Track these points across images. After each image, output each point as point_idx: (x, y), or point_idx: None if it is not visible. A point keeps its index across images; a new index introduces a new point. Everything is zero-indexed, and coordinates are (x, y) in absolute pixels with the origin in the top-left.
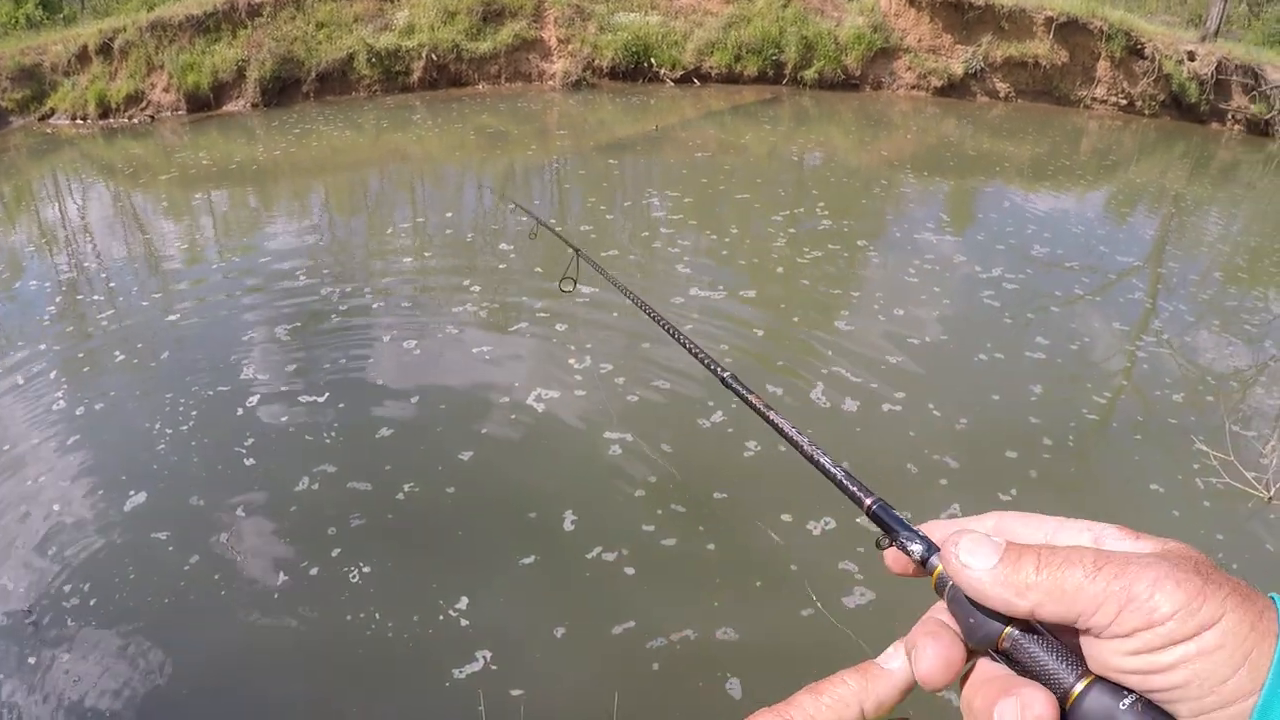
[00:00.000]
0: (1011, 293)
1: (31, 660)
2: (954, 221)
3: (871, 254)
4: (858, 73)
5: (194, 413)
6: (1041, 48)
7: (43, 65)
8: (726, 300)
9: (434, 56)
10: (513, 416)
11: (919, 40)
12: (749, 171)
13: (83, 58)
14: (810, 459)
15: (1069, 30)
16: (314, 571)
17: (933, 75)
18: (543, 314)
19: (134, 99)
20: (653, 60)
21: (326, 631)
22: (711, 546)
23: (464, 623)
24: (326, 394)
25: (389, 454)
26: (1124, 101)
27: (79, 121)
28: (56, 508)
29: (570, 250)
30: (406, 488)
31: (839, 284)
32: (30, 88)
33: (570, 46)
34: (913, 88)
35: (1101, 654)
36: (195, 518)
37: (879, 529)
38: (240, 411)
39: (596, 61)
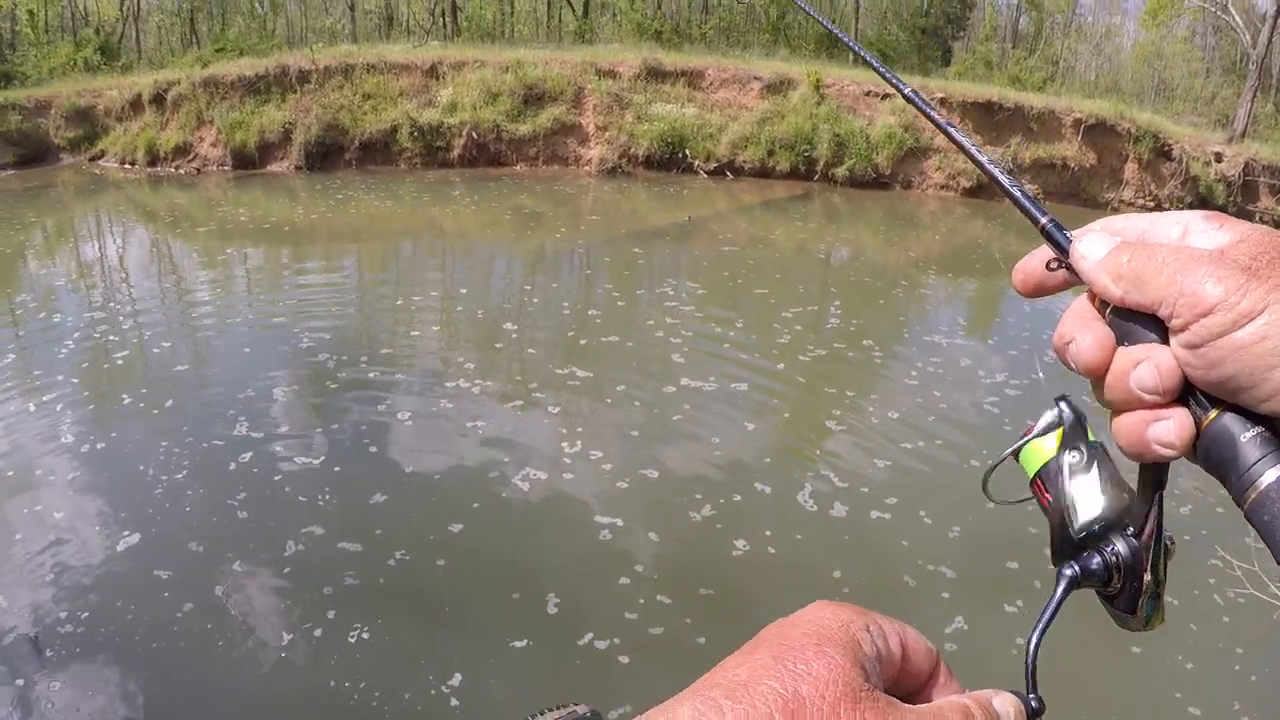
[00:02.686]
0: (1014, 399)
1: (24, 684)
2: (969, 324)
3: (875, 354)
4: (888, 171)
5: (186, 462)
6: (1070, 149)
7: (97, 108)
8: (716, 393)
9: (475, 135)
10: (503, 494)
11: (948, 141)
12: (773, 266)
13: (136, 105)
14: (989, 174)
15: (1097, 132)
16: (302, 633)
17: (962, 175)
18: (538, 394)
19: (182, 150)
20: (687, 151)
21: (315, 695)
22: (702, 640)
23: (455, 701)
24: (322, 457)
25: (381, 520)
26: (1151, 203)
27: (127, 166)
28: (57, 538)
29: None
30: (398, 554)
31: (836, 383)
32: (83, 128)
33: (608, 134)
34: (942, 187)
35: (1175, 349)
36: (190, 565)
37: (1052, 245)
38: (233, 466)
39: (632, 150)
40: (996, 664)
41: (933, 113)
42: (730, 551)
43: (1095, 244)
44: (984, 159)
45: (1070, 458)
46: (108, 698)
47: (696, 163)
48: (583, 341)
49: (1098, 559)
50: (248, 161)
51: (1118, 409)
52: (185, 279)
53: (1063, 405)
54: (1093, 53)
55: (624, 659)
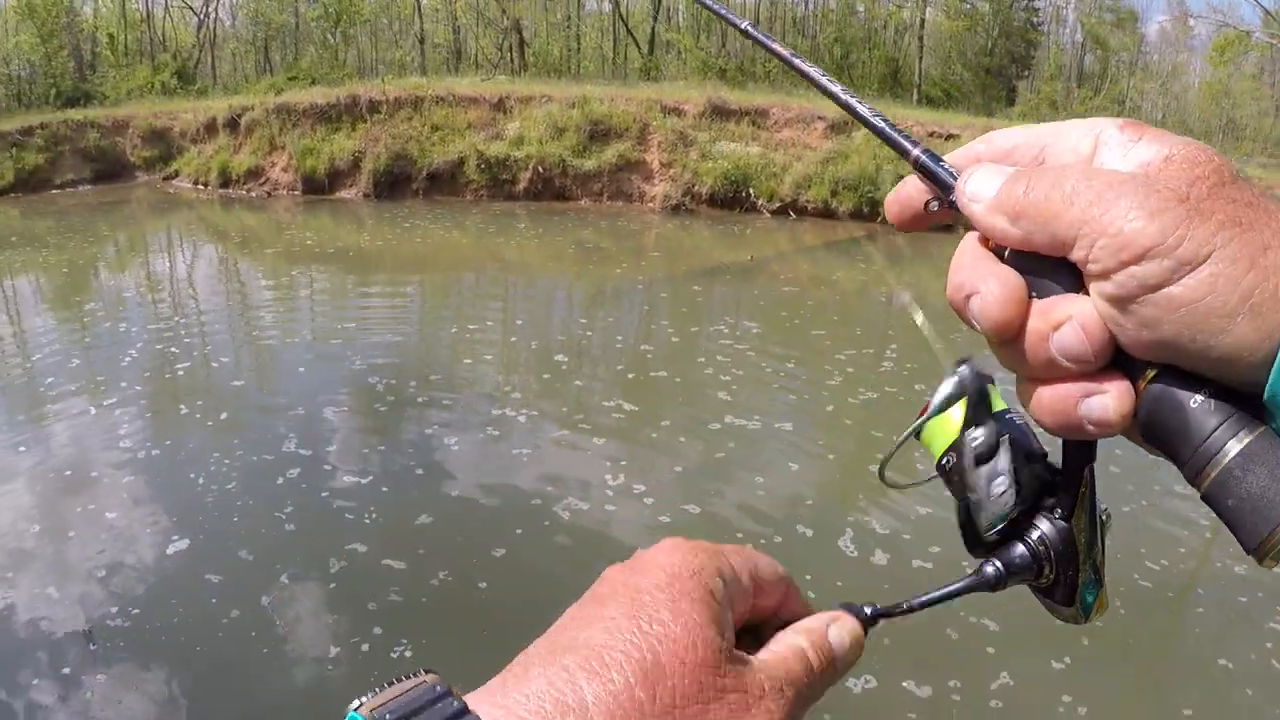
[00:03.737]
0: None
1: (69, 673)
2: None
3: (927, 399)
4: None
5: (236, 474)
6: None
7: (173, 130)
8: (761, 432)
9: (540, 169)
10: (545, 522)
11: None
12: (832, 308)
13: (210, 129)
14: (846, 107)
15: None
16: (348, 647)
17: None
18: (584, 425)
19: (254, 174)
20: (751, 190)
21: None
22: None
23: None
24: (370, 476)
25: (426, 540)
26: None
27: (200, 186)
28: (110, 537)
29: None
30: (441, 575)
31: (884, 427)
32: (159, 149)
33: (672, 171)
34: None
35: (1096, 302)
36: (238, 573)
37: (929, 184)
38: (281, 480)
39: (696, 187)
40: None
41: (775, 45)
42: None
43: (985, 181)
44: (836, 88)
45: (974, 435)
46: (150, 696)
47: (760, 202)
48: (631, 376)
49: (1021, 549)
50: (317, 187)
51: (1035, 378)
52: (249, 297)
53: (963, 370)
54: (1159, 91)
55: None
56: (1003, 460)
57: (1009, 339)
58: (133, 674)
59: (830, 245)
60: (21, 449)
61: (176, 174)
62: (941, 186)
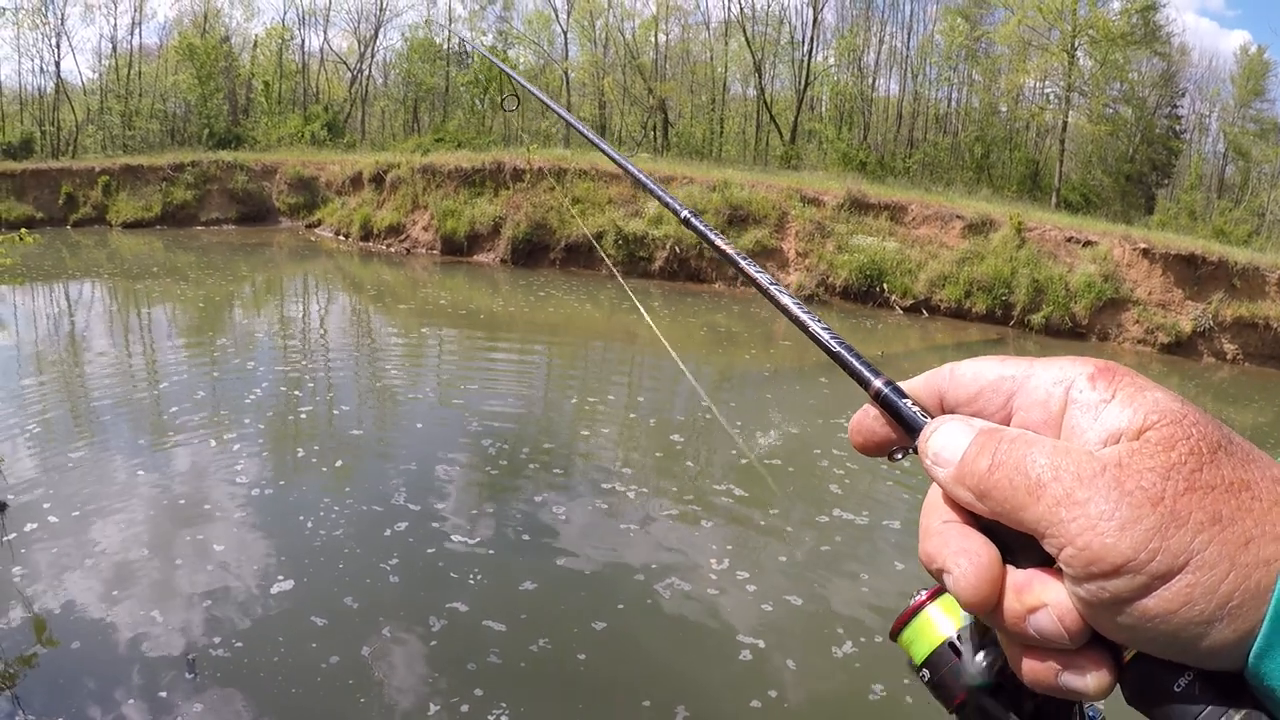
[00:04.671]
0: None
1: (166, 697)
2: None
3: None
4: (1085, 321)
5: (344, 522)
6: (1274, 309)
7: (319, 180)
8: (868, 527)
9: (677, 249)
10: (648, 600)
11: (1149, 293)
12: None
13: (356, 182)
14: (803, 328)
15: None
16: (447, 706)
17: (1160, 331)
18: (693, 507)
19: (395, 230)
20: (885, 285)
21: None
22: None
23: None
24: (477, 538)
25: (528, 606)
26: None
27: (341, 237)
28: (216, 569)
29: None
30: (541, 641)
31: None
32: (303, 196)
33: (807, 260)
34: (1139, 341)
35: (1072, 597)
36: (340, 620)
37: (893, 424)
38: (389, 533)
39: (830, 279)
40: None
41: (712, 235)
42: (867, 694)
43: (949, 439)
44: (786, 299)
45: (968, 640)
46: None
47: (893, 298)
48: (743, 461)
49: None
50: (456, 249)
51: (1017, 645)
52: (378, 349)
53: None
54: None
55: None
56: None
57: (986, 613)
58: (228, 708)
59: (960, 345)
60: (140, 473)
61: (319, 222)
62: (906, 429)
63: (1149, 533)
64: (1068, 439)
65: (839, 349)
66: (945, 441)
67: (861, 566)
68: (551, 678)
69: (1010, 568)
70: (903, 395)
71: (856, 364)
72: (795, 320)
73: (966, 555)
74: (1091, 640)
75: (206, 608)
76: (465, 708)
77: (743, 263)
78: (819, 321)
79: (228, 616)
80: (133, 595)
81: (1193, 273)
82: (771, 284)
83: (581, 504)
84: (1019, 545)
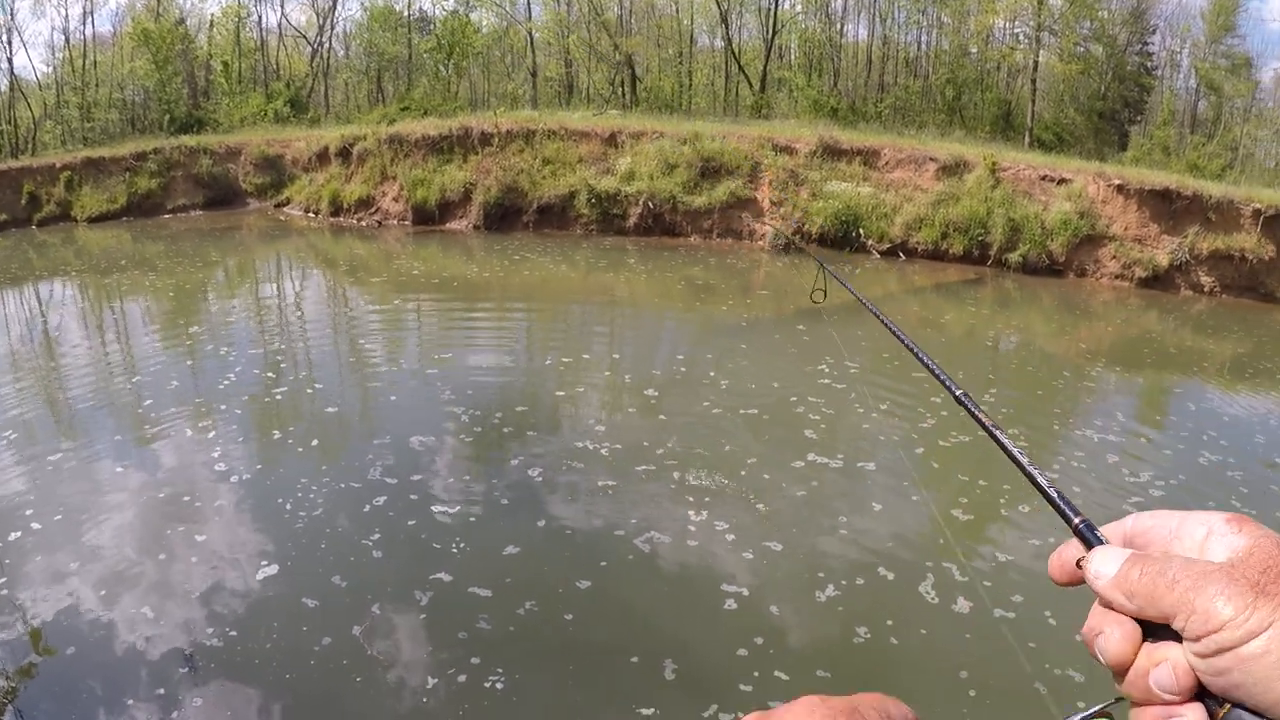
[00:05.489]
0: (1157, 500)
1: (165, 694)
2: (1125, 421)
3: (1019, 445)
4: (1062, 259)
5: (322, 500)
6: (1248, 241)
7: (284, 158)
8: (841, 470)
9: (651, 204)
10: (629, 556)
11: (1125, 229)
12: (936, 350)
13: (323, 157)
14: (1033, 481)
15: (1278, 223)
16: (444, 678)
17: (1137, 265)
18: (668, 461)
19: (365, 203)
20: (861, 230)
21: None
22: None
23: None
24: (456, 506)
25: (512, 570)
26: None
27: (310, 214)
28: (201, 560)
29: (815, 262)
30: (528, 605)
31: (971, 472)
32: (270, 176)
33: (782, 209)
34: (1116, 277)
35: (1188, 654)
36: (328, 601)
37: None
38: (368, 509)
39: (806, 226)
40: None
41: (979, 416)
42: (851, 637)
43: (1107, 562)
44: (1018, 454)
45: None
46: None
47: (870, 242)
48: (716, 411)
49: None
50: (427, 218)
51: (1137, 702)
52: (353, 325)
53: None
54: (1273, 139)
55: None
56: None
57: (1123, 671)
58: (228, 698)
59: (939, 287)
60: (119, 469)
61: (288, 201)
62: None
63: (1246, 601)
64: (1204, 559)
65: (1051, 491)
66: (1102, 561)
67: (840, 509)
68: (542, 640)
69: (1146, 643)
70: (1093, 529)
71: (1063, 504)
72: (1016, 462)
73: (1119, 625)
74: (1194, 697)
75: (197, 600)
76: (463, 678)
77: (999, 436)
78: (1038, 470)
79: (218, 607)
80: (122, 594)
81: (1168, 207)
82: (994, 427)
83: (558, 465)
84: (1153, 629)
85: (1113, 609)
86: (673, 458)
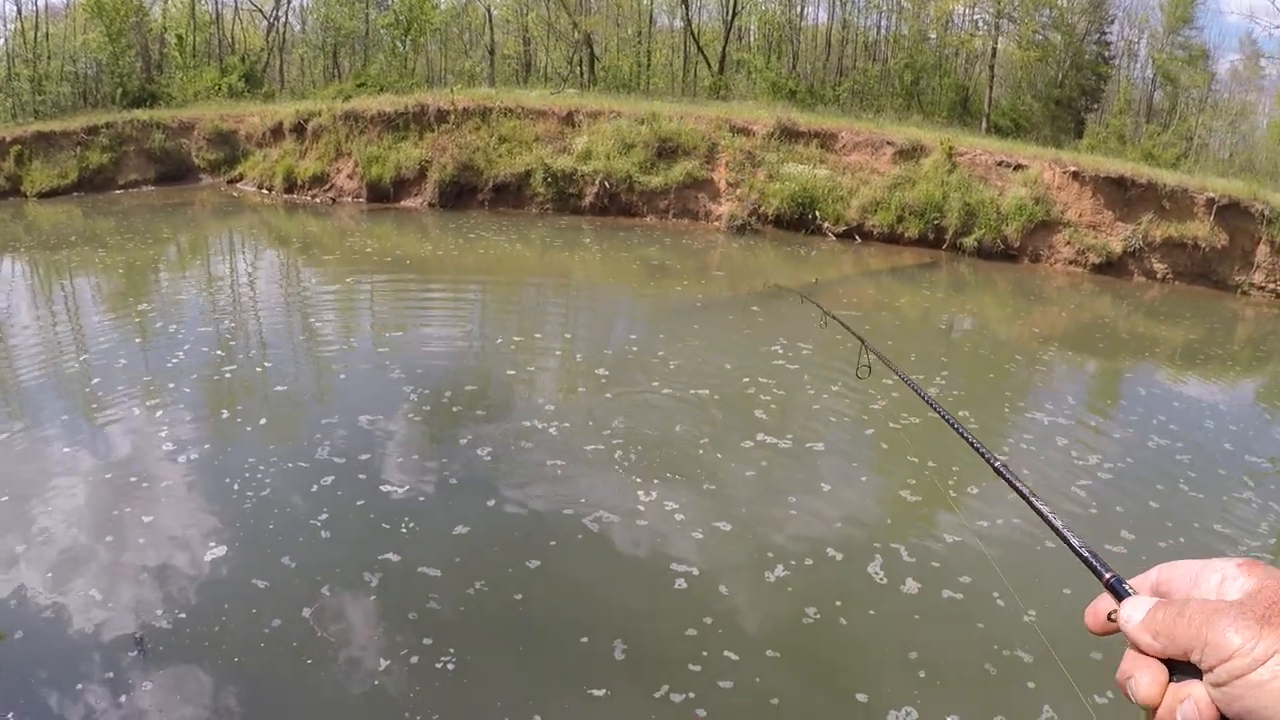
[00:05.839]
0: (1105, 483)
1: (114, 677)
2: (1075, 405)
3: (969, 427)
4: (1017, 243)
5: (269, 481)
6: (1201, 229)
7: (238, 133)
8: (790, 451)
9: (607, 184)
10: (578, 536)
11: (1079, 215)
12: (889, 333)
13: (277, 133)
14: (1067, 542)
15: (1230, 212)
16: (396, 659)
17: (1091, 251)
18: (615, 440)
19: (319, 180)
20: (817, 213)
21: None
22: (775, 701)
23: None
24: (406, 485)
25: (462, 550)
26: None
27: (264, 191)
28: (149, 542)
29: (858, 340)
30: (478, 585)
31: (920, 453)
32: (224, 152)
33: (739, 191)
34: (1070, 263)
35: (1207, 686)
36: (277, 582)
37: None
38: (315, 488)
39: (763, 208)
40: None
41: (1018, 484)
42: (800, 618)
43: (1136, 609)
44: (1051, 517)
45: None
46: (197, 705)
47: (826, 225)
48: (667, 391)
49: None
50: (382, 195)
51: None
52: (304, 303)
53: None
54: (1227, 130)
55: (702, 712)
56: None
57: (1154, 709)
58: (179, 682)
59: (895, 271)
60: (66, 449)
61: (241, 177)
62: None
63: (1254, 633)
64: (1219, 599)
65: (1084, 550)
66: (1132, 608)
67: (789, 490)
68: (492, 620)
69: (1172, 682)
70: (1123, 583)
71: (1095, 561)
72: (1054, 529)
73: (1148, 669)
74: None
75: (145, 582)
76: (415, 659)
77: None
78: (1073, 534)
79: (168, 589)
80: (71, 577)
81: (1122, 194)
82: (1032, 496)
83: (508, 444)
84: (1179, 669)
85: (1142, 652)
86: (621, 437)
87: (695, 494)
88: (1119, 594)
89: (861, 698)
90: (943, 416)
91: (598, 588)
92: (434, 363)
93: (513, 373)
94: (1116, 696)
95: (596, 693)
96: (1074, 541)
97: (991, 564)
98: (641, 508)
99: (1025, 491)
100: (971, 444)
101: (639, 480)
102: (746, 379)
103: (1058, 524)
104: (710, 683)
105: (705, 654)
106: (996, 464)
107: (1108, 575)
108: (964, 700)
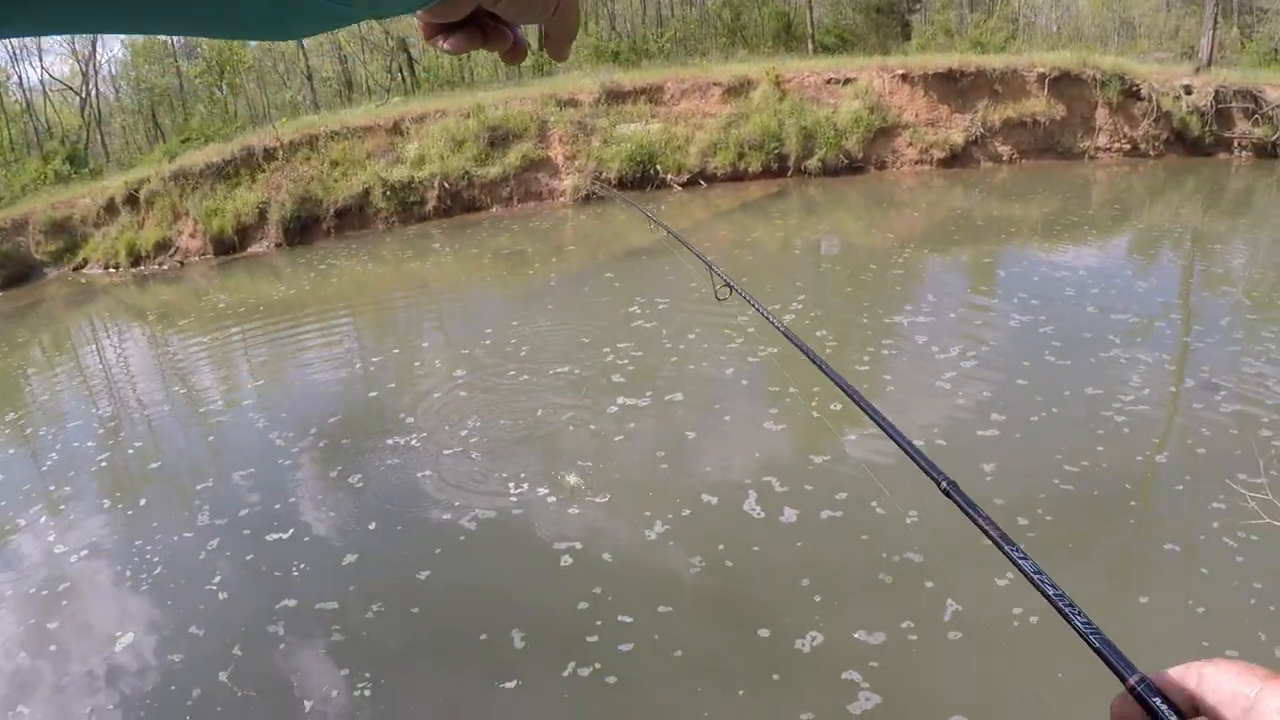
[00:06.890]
0: (969, 371)
1: None
2: (936, 300)
3: (828, 345)
4: (860, 155)
5: (158, 558)
6: (1038, 105)
7: (73, 218)
8: (652, 408)
9: (445, 184)
10: (459, 538)
11: (916, 115)
12: (744, 269)
13: (111, 209)
14: (1062, 614)
15: (1063, 84)
16: (318, 698)
17: (934, 148)
18: (473, 439)
19: (162, 246)
20: (658, 167)
21: None
22: (679, 653)
23: None
24: (290, 530)
25: (354, 578)
26: (1128, 146)
27: (111, 270)
28: (58, 648)
29: (704, 264)
30: (375, 608)
31: (780, 380)
32: (63, 240)
33: (577, 162)
34: (916, 163)
35: None
36: (188, 655)
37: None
38: (203, 555)
39: (604, 174)
40: (1004, 640)
41: (998, 538)
42: (686, 569)
43: None
44: (1049, 589)
45: None
46: None
47: (669, 177)
48: (524, 378)
49: None
50: (228, 247)
51: None
52: (165, 374)
53: None
54: (1051, 5)
55: (611, 679)
56: None
57: None
58: None
59: (745, 206)
60: None
61: (85, 262)
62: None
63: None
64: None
65: (1098, 644)
66: None
67: (655, 446)
68: (396, 638)
69: None
70: (1154, 691)
71: (1114, 659)
72: (1062, 614)
73: None
74: None
75: (68, 687)
76: (335, 692)
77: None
78: (1082, 617)
79: (91, 687)
80: None
81: (954, 87)
82: (1036, 572)
83: (375, 465)
84: None
85: None
86: (479, 434)
87: (566, 472)
88: (1148, 706)
89: (764, 633)
90: (797, 345)
91: (488, 583)
92: (297, 403)
93: (374, 394)
94: (1017, 577)
95: (508, 685)
96: (1079, 625)
97: (867, 475)
98: (514, 498)
99: (981, 522)
100: (913, 455)
101: (505, 473)
102: (607, 348)
103: (1051, 592)
104: (611, 650)
105: (600, 623)
106: (943, 485)
107: (1133, 679)
108: (867, 614)
